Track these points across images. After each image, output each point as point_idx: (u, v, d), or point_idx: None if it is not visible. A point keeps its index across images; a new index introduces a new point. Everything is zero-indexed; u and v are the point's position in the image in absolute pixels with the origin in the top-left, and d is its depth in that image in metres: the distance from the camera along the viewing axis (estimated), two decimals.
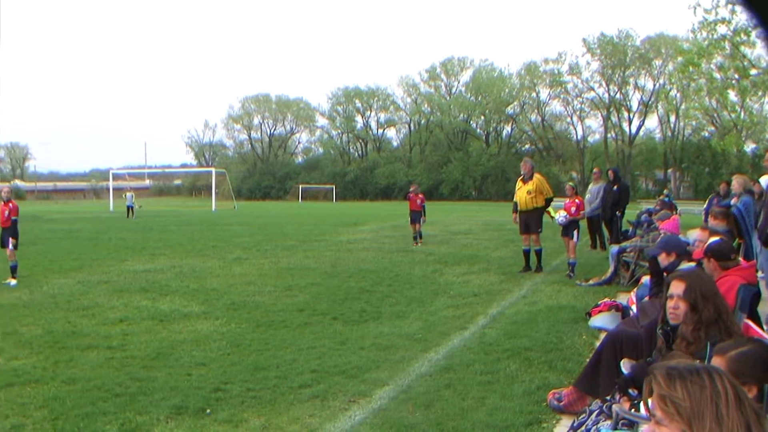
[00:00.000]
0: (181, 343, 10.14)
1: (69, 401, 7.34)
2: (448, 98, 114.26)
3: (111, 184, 79.26)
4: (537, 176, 16.96)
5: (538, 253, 17.17)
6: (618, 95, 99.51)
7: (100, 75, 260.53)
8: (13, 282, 16.33)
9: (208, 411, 6.99)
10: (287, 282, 16.20)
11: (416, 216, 25.62)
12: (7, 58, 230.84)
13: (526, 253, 17.27)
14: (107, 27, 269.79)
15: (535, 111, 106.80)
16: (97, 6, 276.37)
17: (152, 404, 7.20)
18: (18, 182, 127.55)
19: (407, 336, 10.45)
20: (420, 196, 26.08)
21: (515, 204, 17.30)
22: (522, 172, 17.13)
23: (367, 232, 32.71)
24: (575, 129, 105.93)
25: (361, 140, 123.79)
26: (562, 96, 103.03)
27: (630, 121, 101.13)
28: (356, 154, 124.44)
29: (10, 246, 16.67)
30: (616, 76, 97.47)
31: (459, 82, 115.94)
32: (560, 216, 16.45)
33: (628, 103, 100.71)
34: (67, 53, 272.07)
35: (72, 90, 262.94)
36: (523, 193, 16.77)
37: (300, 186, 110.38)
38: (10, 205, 17.04)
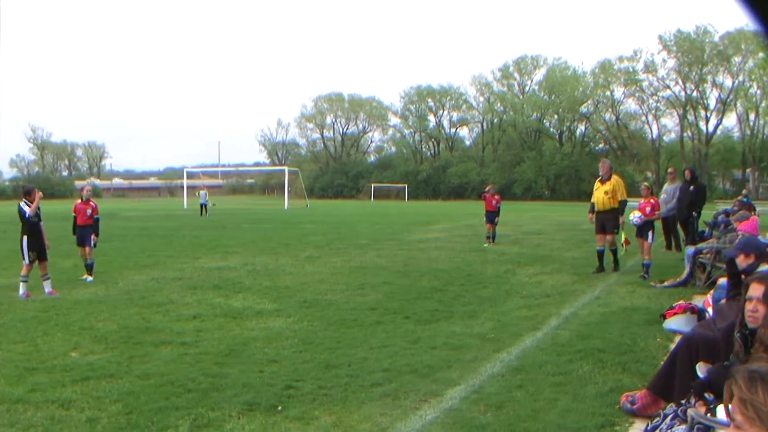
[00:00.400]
0: (253, 340, 10.20)
1: (143, 396, 7.43)
2: (521, 97, 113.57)
3: (185, 182, 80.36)
4: (615, 177, 17.00)
5: (614, 252, 17.04)
6: (695, 93, 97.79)
7: (176, 75, 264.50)
8: (90, 278, 16.73)
9: (279, 408, 7.01)
10: (359, 280, 16.23)
11: (491, 216, 25.66)
12: (84, 58, 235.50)
13: (600, 254, 17.10)
14: (184, 27, 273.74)
15: (610, 110, 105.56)
16: (172, 7, 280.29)
17: (224, 400, 7.25)
18: (95, 180, 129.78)
19: (479, 336, 10.37)
20: (496, 196, 26.12)
21: (592, 204, 17.29)
22: (600, 173, 17.17)
23: (439, 232, 32.63)
24: (650, 128, 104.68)
25: (433, 139, 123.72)
26: (637, 94, 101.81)
27: (707, 120, 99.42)
28: (428, 153, 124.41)
29: (92, 244, 17.23)
30: (693, 73, 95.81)
31: (532, 81, 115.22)
32: (635, 216, 16.25)
33: (705, 101, 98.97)
34: (144, 54, 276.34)
35: (148, 89, 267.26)
36: (600, 193, 16.71)
37: (372, 185, 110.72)
38: (92, 203, 17.70)
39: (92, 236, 17.32)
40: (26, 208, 14.75)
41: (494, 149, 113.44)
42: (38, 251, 14.85)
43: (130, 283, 15.98)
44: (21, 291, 14.57)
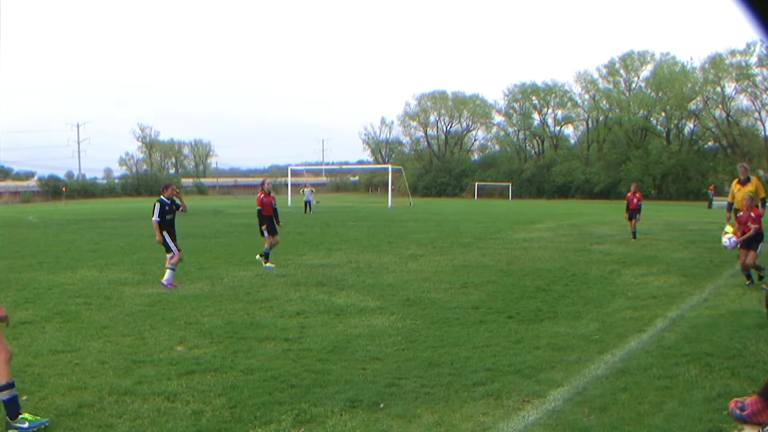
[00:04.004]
0: (356, 337, 10.22)
1: (246, 390, 7.50)
2: (627, 94, 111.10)
3: (289, 180, 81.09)
4: (754, 179, 17.68)
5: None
6: None
7: (281, 73, 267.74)
8: (272, 266, 18.33)
9: (381, 405, 6.98)
10: (463, 279, 16.13)
11: (633, 213, 27.43)
12: (191, 58, 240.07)
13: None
14: (289, 26, 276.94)
15: (720, 106, 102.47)
16: (275, 6, 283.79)
17: (327, 396, 7.26)
18: (201, 179, 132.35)
19: (583, 337, 10.19)
20: (638, 195, 27.74)
21: (729, 204, 17.96)
22: (740, 177, 17.83)
23: (543, 231, 32.28)
24: (763, 125, 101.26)
25: (537, 137, 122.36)
26: (749, 90, 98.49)
27: None
28: (532, 151, 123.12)
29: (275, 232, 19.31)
30: None
31: (639, 78, 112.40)
32: (728, 240, 15.56)
33: None
34: (249, 53, 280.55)
35: (253, 88, 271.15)
36: (742, 195, 16.81)
37: (476, 183, 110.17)
38: (272, 196, 19.71)
39: (277, 224, 19.72)
40: (167, 202, 15.79)
41: (599, 147, 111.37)
42: (167, 244, 15.70)
43: (234, 279, 16.21)
44: (166, 277, 15.48)
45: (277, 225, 19.67)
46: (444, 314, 11.97)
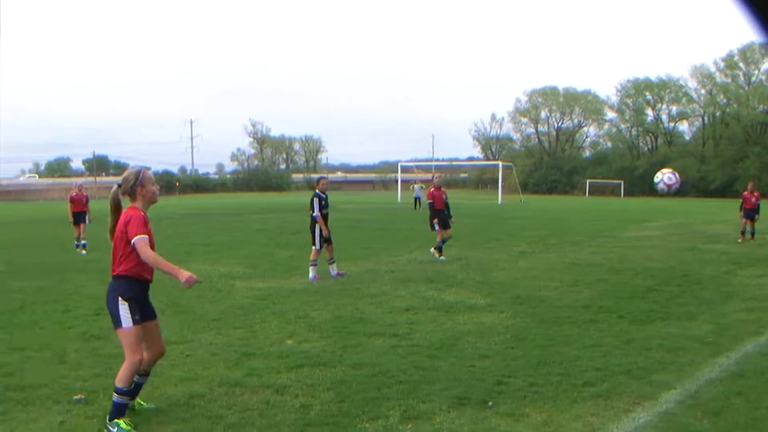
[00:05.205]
0: (465, 334, 10.15)
1: (354, 385, 7.51)
2: (746, 88, 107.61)
3: (399, 176, 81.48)
4: None
5: None
6: None
7: (390, 69, 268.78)
8: (443, 258, 18.91)
9: (489, 403, 6.91)
10: (573, 277, 15.90)
11: (751, 213, 26.18)
12: (302, 55, 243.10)
13: None
14: (400, 23, 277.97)
15: None
16: (387, 5, 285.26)
17: (434, 393, 7.22)
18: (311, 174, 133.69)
19: (696, 339, 9.89)
20: (756, 193, 26.74)
21: None
22: None
23: (654, 229, 31.67)
24: None
25: (651, 134, 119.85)
26: None
27: None
28: (645, 148, 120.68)
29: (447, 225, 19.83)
30: None
31: (759, 70, 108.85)
32: None
33: None
34: (358, 50, 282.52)
35: (363, 84, 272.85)
36: None
37: (587, 180, 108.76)
38: (443, 189, 19.94)
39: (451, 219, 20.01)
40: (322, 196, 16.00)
41: (715, 144, 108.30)
42: (326, 237, 15.88)
43: (344, 273, 16.26)
44: (311, 275, 15.73)
45: (449, 219, 19.85)
46: (554, 313, 11.80)
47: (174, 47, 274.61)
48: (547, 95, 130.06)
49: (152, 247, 6.46)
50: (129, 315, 6.39)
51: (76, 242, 22.57)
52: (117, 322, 6.43)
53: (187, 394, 7.24)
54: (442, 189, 20.02)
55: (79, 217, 22.38)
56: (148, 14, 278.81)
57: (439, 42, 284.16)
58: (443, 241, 19.44)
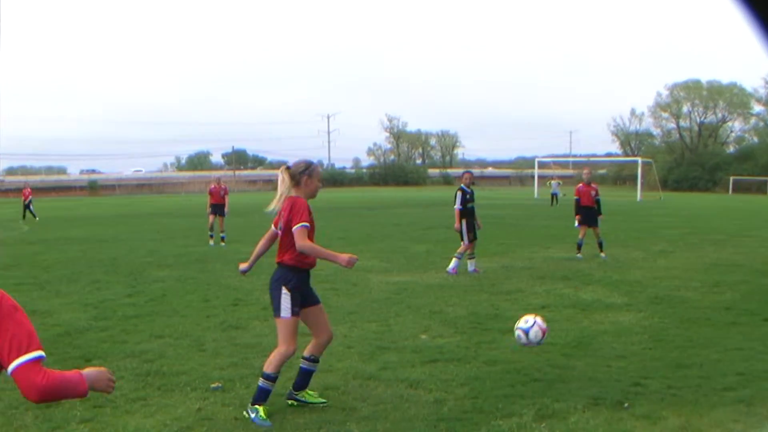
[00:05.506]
0: (601, 333, 10.01)
1: (489, 382, 7.50)
2: None
3: (536, 171, 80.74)
4: None
5: None
6: None
7: (525, 63, 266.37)
8: (580, 256, 18.80)
9: (626, 405, 6.79)
10: (714, 278, 15.44)
11: None
12: (437, 52, 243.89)
13: None
14: (537, 21, 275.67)
15: None
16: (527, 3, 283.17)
17: (570, 392, 7.14)
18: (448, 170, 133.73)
19: None
20: None
21: None
22: None
23: None
24: None
25: None
26: None
27: None
28: None
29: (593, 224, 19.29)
30: None
31: None
32: None
33: None
34: (494, 47, 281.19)
35: (498, 80, 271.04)
36: None
37: (731, 177, 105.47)
38: (593, 185, 19.86)
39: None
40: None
41: None
42: (474, 232, 16.07)
43: (480, 270, 16.22)
44: (452, 265, 15.98)
45: (598, 217, 19.36)
46: (693, 314, 11.48)
47: (314, 42, 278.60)
48: (690, 89, 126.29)
49: (312, 236, 6.60)
50: (290, 306, 6.55)
51: (210, 232, 23.20)
52: (277, 311, 6.61)
53: (322, 386, 7.36)
54: (593, 185, 19.60)
55: (217, 209, 22.96)
56: (290, 10, 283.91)
57: (578, 37, 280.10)
58: (583, 238, 19.02)
